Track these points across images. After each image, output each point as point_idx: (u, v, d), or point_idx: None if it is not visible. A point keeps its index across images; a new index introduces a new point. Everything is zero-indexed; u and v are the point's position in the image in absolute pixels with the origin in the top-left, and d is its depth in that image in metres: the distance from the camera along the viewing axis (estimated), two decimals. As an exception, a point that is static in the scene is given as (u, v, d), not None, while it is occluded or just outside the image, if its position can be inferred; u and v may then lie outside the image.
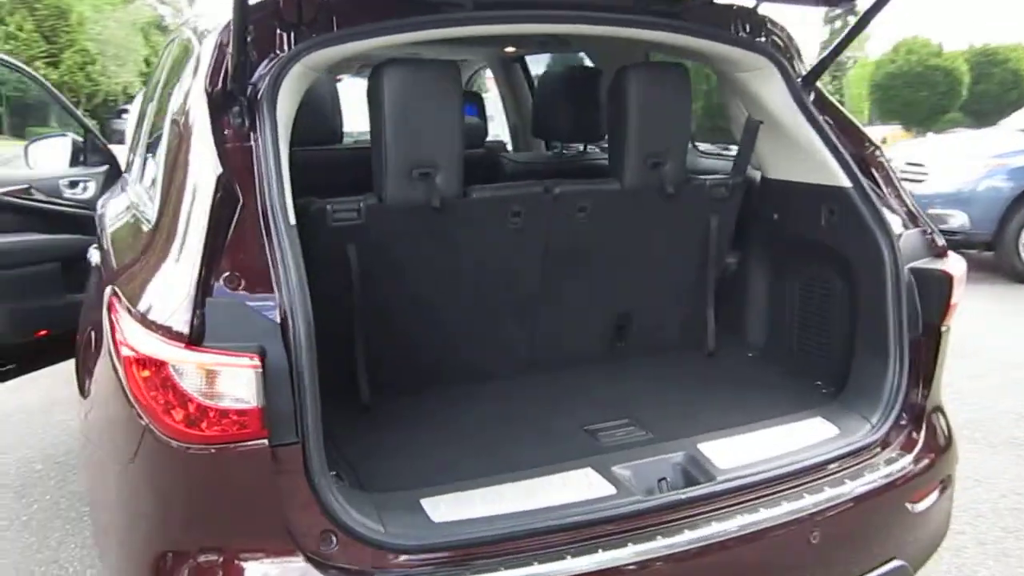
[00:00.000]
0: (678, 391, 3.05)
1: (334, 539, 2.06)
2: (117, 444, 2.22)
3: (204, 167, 2.19)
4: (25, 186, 4.62)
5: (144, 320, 2.02)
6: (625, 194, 3.07)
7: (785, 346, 3.35)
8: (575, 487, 2.35)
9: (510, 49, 5.15)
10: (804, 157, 3.00)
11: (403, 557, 2.08)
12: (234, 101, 2.30)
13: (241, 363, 1.92)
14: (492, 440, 2.64)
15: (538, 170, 3.72)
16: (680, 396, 3.01)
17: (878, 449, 2.68)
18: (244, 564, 2.02)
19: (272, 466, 1.99)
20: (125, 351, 2.00)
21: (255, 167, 2.21)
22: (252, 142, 2.26)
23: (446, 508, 2.23)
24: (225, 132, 2.28)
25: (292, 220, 2.18)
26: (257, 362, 1.92)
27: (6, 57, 5.34)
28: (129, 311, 2.07)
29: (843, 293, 3.04)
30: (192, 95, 2.41)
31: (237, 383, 1.93)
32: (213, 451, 1.96)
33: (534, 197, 2.94)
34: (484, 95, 5.70)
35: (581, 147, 4.26)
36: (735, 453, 2.56)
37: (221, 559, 2.04)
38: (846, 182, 2.89)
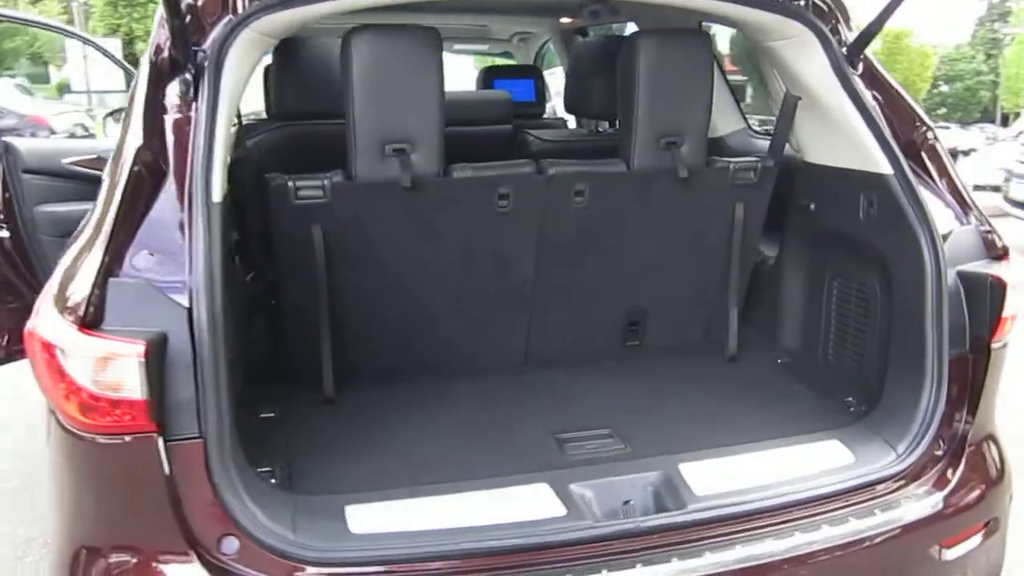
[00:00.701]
0: (681, 400, 2.73)
1: (236, 543, 1.90)
2: (44, 430, 2.14)
3: (131, 140, 2.07)
4: (95, 156, 4.74)
5: (57, 300, 1.91)
6: (632, 177, 2.76)
7: (818, 354, 2.96)
8: (521, 505, 2.10)
9: (566, 20, 4.84)
10: (843, 139, 2.60)
11: (310, 569, 1.90)
12: (179, 69, 2.16)
13: (124, 351, 1.78)
14: (449, 445, 2.42)
15: (567, 149, 3.43)
16: (682, 406, 2.68)
17: (900, 483, 2.29)
18: (137, 564, 1.90)
19: (168, 461, 1.85)
20: (31, 331, 1.91)
21: (192, 139, 2.07)
22: (193, 112, 2.11)
23: (370, 518, 2.04)
24: (164, 102, 2.15)
25: (216, 197, 2.03)
26: (141, 350, 1.77)
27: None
28: (52, 291, 1.98)
29: (881, 298, 2.63)
30: (141, 63, 2.30)
31: (123, 372, 1.79)
32: (106, 443, 1.84)
33: (524, 178, 2.68)
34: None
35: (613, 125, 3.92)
36: (721, 476, 2.23)
37: (127, 559, 1.93)
38: (887, 168, 2.48)
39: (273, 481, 2.17)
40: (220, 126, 2.10)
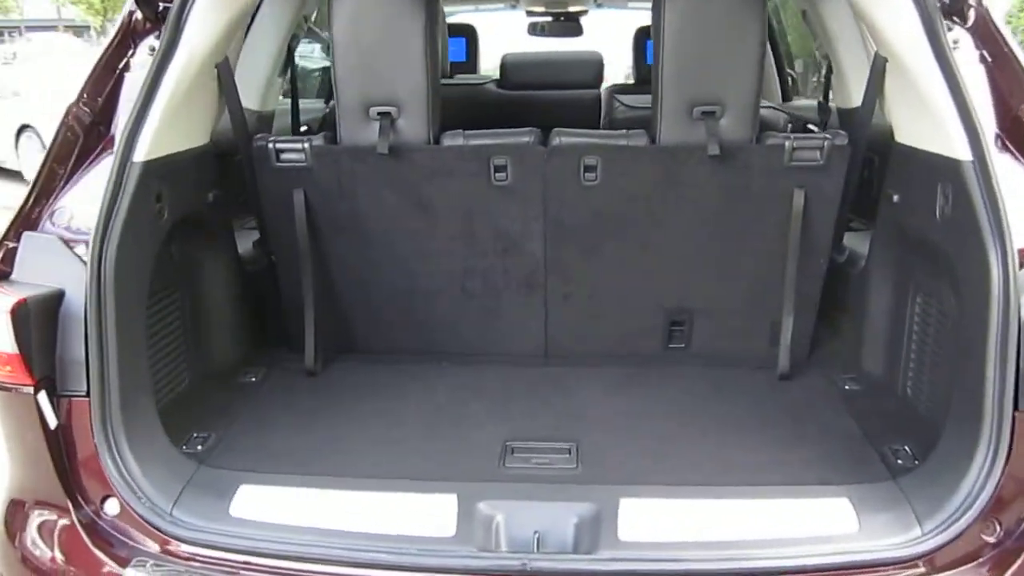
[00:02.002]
0: (695, 420, 2.28)
1: (117, 507, 1.88)
2: None
3: (69, 98, 2.08)
4: None
5: None
6: (657, 153, 2.33)
7: (896, 385, 2.35)
8: (414, 517, 1.87)
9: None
10: (927, 113, 2.00)
11: (182, 546, 1.83)
12: (145, 22, 2.15)
13: None
14: (393, 437, 2.21)
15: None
16: (687, 428, 2.24)
17: (918, 571, 1.74)
18: (27, 517, 1.94)
19: (57, 416, 1.86)
20: None
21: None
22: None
23: (257, 503, 1.92)
24: (122, 58, 2.14)
25: (140, 155, 1.99)
26: (10, 304, 1.77)
27: None
28: None
29: (956, 324, 2.02)
30: (113, 24, 2.32)
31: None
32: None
33: (523, 148, 2.36)
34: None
35: None
36: (666, 522, 1.84)
37: (22, 508, 1.99)
38: (964, 153, 1.87)
39: (199, 448, 2.12)
40: (168, 80, 2.04)
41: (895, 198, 2.28)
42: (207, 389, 2.41)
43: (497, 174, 2.38)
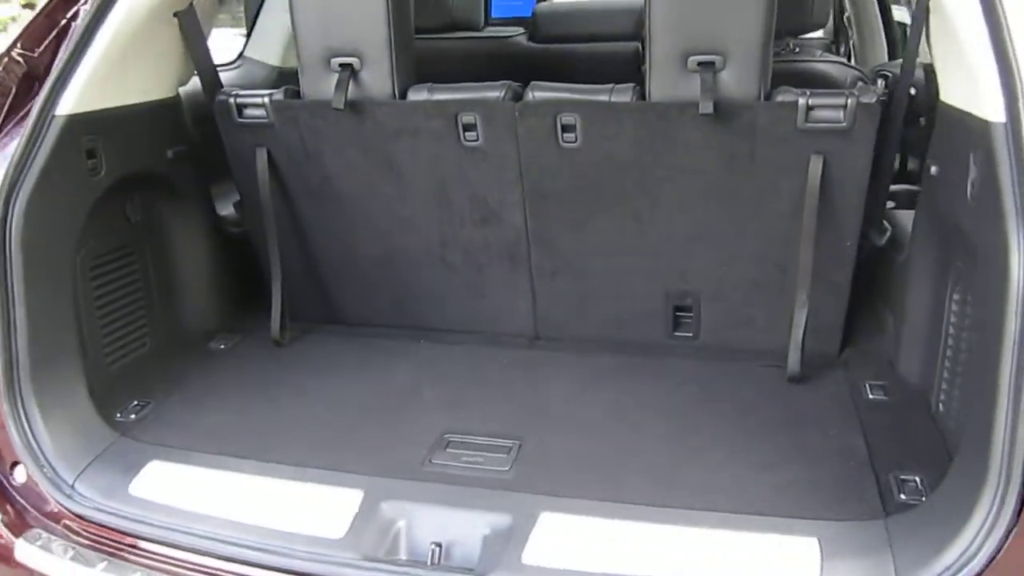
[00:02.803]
0: (665, 423, 1.96)
1: (25, 474, 1.81)
2: None
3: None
4: None
5: None
6: (643, 111, 2.00)
7: (928, 398, 1.93)
8: (314, 510, 1.69)
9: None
10: (963, 62, 1.58)
11: (77, 520, 1.74)
12: None
13: None
14: (329, 419, 2.02)
15: None
16: (655, 433, 1.92)
17: None
18: None
19: None
20: None
21: None
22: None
23: (161, 482, 1.80)
24: (69, 8, 2.04)
25: (66, 109, 1.88)
26: None
27: None
28: None
29: (974, 329, 1.61)
30: None
31: None
32: None
33: (492, 105, 2.08)
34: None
35: (789, 43, 2.91)
36: (586, 547, 1.56)
37: None
38: (997, 113, 1.45)
39: (131, 417, 2.03)
40: (107, 29, 1.93)
41: (933, 170, 1.84)
42: (169, 355, 2.32)
43: (467, 134, 2.12)
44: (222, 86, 2.35)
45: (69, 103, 1.90)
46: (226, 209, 2.58)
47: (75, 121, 1.92)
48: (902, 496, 1.65)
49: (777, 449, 1.83)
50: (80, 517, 1.73)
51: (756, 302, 2.21)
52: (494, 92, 2.09)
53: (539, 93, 2.06)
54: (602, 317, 2.34)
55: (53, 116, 1.87)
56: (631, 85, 2.02)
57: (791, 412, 1.98)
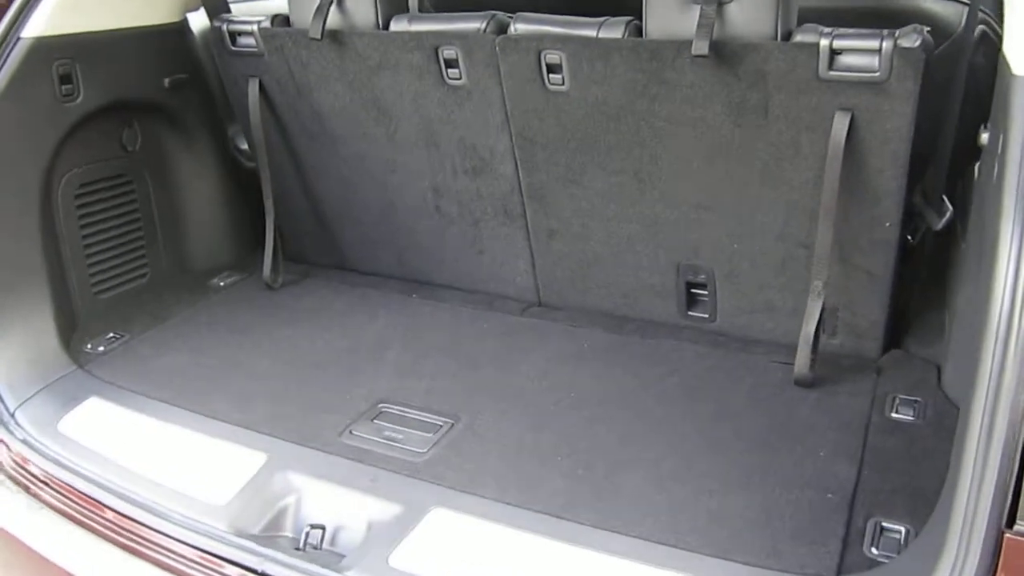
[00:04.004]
0: (629, 422, 1.68)
1: None
2: None
3: None
4: None
5: None
6: (635, 50, 1.67)
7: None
8: (209, 471, 1.59)
9: None
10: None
11: (9, 449, 1.76)
12: None
13: None
14: (272, 372, 1.90)
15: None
16: (612, 432, 1.65)
17: None
18: None
19: None
20: None
21: None
22: None
23: (90, 421, 1.77)
24: None
25: (35, 31, 1.85)
26: None
27: None
28: None
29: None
30: None
31: None
32: None
33: (472, 39, 1.83)
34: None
35: None
36: (466, 559, 1.36)
37: None
38: (1020, 66, 1.06)
39: (100, 349, 2.02)
40: None
41: (984, 138, 1.42)
42: (167, 289, 2.30)
43: (449, 70, 1.89)
44: (227, 10, 2.24)
45: (39, 25, 1.85)
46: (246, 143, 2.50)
47: (44, 44, 1.87)
48: (873, 550, 1.31)
49: (742, 467, 1.52)
50: (11, 448, 1.73)
51: (777, 285, 1.85)
52: (475, 23, 1.83)
53: (522, 25, 1.79)
54: (608, 287, 2.06)
55: (19, 38, 1.83)
56: (625, 19, 1.70)
57: (782, 423, 1.64)
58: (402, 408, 1.74)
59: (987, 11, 2.11)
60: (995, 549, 1.00)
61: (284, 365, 1.94)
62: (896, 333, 1.88)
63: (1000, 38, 1.50)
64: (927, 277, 1.92)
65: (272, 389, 1.84)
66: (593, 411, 1.72)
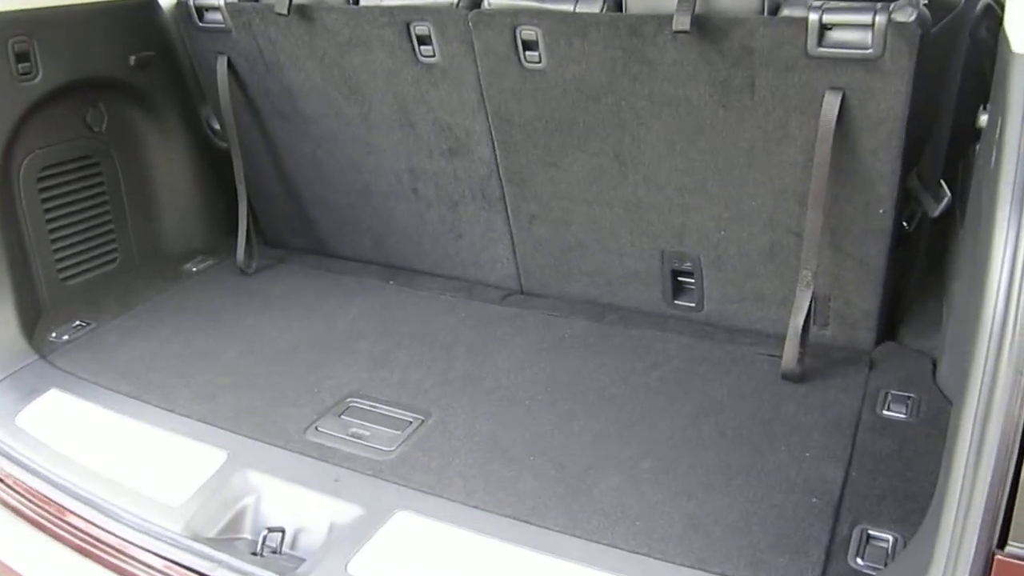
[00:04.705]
0: (609, 419, 1.61)
1: None
2: None
3: None
4: None
5: None
6: (613, 25, 1.58)
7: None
8: (168, 469, 1.52)
9: None
10: None
11: None
12: None
13: None
14: (237, 364, 1.82)
15: None
16: (587, 431, 1.58)
17: None
18: None
19: None
20: None
21: None
22: None
23: (49, 414, 1.71)
24: None
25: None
26: None
27: None
28: None
29: None
30: None
31: None
32: None
33: (445, 13, 1.74)
34: None
35: None
36: (426, 567, 1.30)
37: None
38: (1020, 43, 0.97)
39: (64, 337, 1.95)
40: None
41: (982, 120, 1.32)
42: (138, 274, 2.22)
43: (422, 47, 1.80)
44: None
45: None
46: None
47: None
48: (858, 561, 1.24)
49: (724, 469, 1.44)
50: None
51: (766, 273, 1.77)
52: None
53: (498, 2, 1.69)
54: (589, 274, 1.98)
55: None
56: None
57: (767, 420, 1.56)
58: (371, 403, 1.67)
59: None
60: (985, 571, 0.93)
61: (252, 355, 1.87)
62: (890, 323, 1.79)
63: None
64: (924, 265, 1.83)
65: (238, 381, 1.77)
66: (570, 407, 1.64)
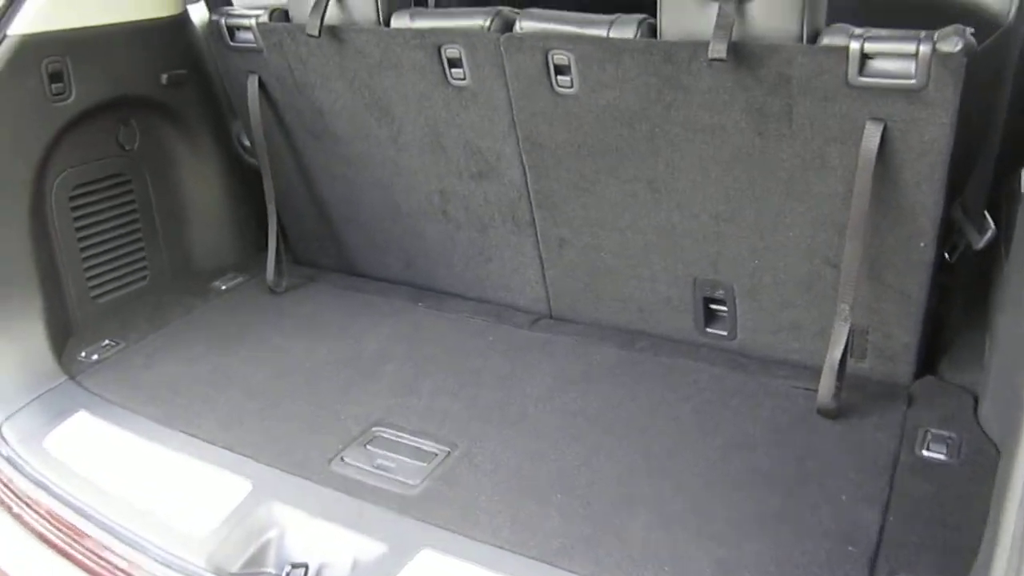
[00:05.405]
0: (641, 454, 1.57)
1: None
2: None
3: None
4: None
5: None
6: (648, 51, 1.54)
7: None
8: (193, 498, 1.52)
9: None
10: None
11: None
12: None
13: None
14: (266, 389, 1.81)
15: None
16: (619, 464, 1.55)
17: None
18: None
19: None
20: None
21: None
22: None
23: (79, 437, 1.71)
24: None
25: (22, 28, 1.78)
26: None
27: None
28: None
29: None
30: None
31: None
32: None
33: (475, 37, 1.71)
34: None
35: None
36: None
37: None
38: None
39: (95, 357, 1.96)
40: None
41: None
42: (169, 291, 2.23)
43: (453, 70, 1.78)
44: (228, 2, 2.15)
45: (25, 22, 1.78)
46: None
47: (32, 41, 1.80)
48: None
49: (756, 510, 1.40)
50: None
51: (802, 304, 1.72)
52: (479, 20, 1.71)
53: (528, 23, 1.66)
54: (620, 300, 1.95)
55: (4, 36, 1.76)
56: (639, 17, 1.57)
57: (802, 458, 1.52)
58: (397, 432, 1.65)
59: None
60: None
61: (279, 378, 1.86)
62: (930, 356, 1.73)
63: None
64: (965, 296, 1.77)
65: (264, 406, 1.76)
66: (598, 439, 1.61)
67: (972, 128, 1.43)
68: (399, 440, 1.63)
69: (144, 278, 2.22)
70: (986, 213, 1.57)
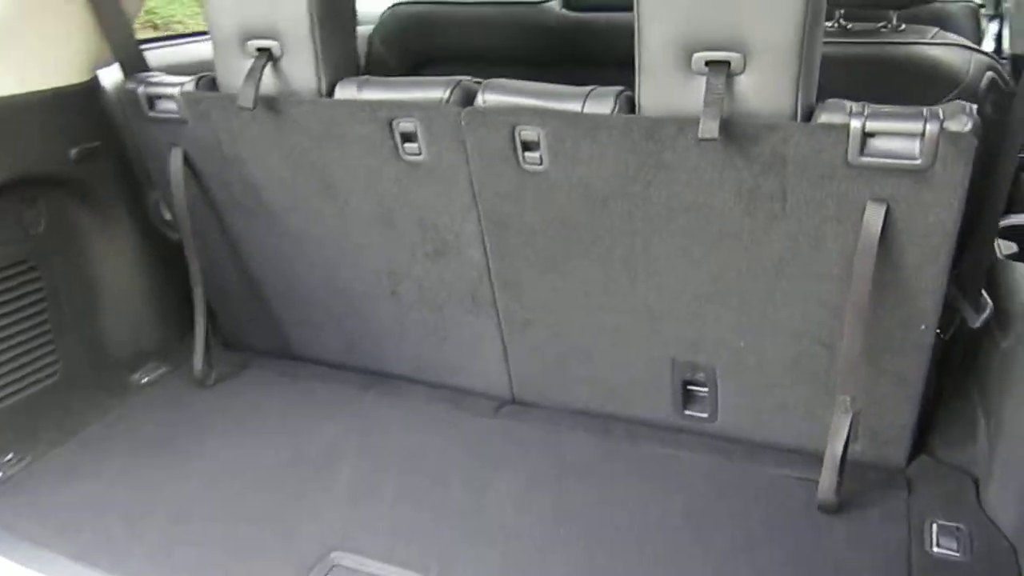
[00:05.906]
0: (618, 564, 1.43)
1: None
2: None
3: None
4: None
5: None
6: (627, 128, 1.42)
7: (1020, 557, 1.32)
8: None
9: None
10: None
11: None
12: None
13: None
14: (190, 512, 1.59)
15: None
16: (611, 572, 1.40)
17: None
18: None
19: None
20: None
21: None
22: None
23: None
24: None
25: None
26: None
27: None
28: None
29: None
30: None
31: None
32: None
33: (433, 111, 1.56)
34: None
35: (890, 21, 2.16)
36: None
37: None
38: None
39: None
40: None
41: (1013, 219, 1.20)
42: (79, 388, 1.98)
43: (407, 144, 1.62)
44: (146, 68, 1.94)
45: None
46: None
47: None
48: None
49: None
50: None
51: (790, 384, 1.61)
52: (437, 92, 1.56)
53: (491, 96, 1.53)
54: (589, 383, 1.81)
55: None
56: (616, 90, 1.45)
57: (808, 559, 1.40)
58: (360, 559, 1.45)
59: (994, 55, 1.91)
60: None
61: (216, 491, 1.64)
62: (921, 435, 1.65)
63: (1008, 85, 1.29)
64: (954, 371, 1.69)
65: (198, 530, 1.54)
66: (583, 547, 1.45)
67: (971, 204, 1.36)
68: (363, 570, 1.43)
69: (54, 373, 1.96)
70: (983, 291, 1.50)
